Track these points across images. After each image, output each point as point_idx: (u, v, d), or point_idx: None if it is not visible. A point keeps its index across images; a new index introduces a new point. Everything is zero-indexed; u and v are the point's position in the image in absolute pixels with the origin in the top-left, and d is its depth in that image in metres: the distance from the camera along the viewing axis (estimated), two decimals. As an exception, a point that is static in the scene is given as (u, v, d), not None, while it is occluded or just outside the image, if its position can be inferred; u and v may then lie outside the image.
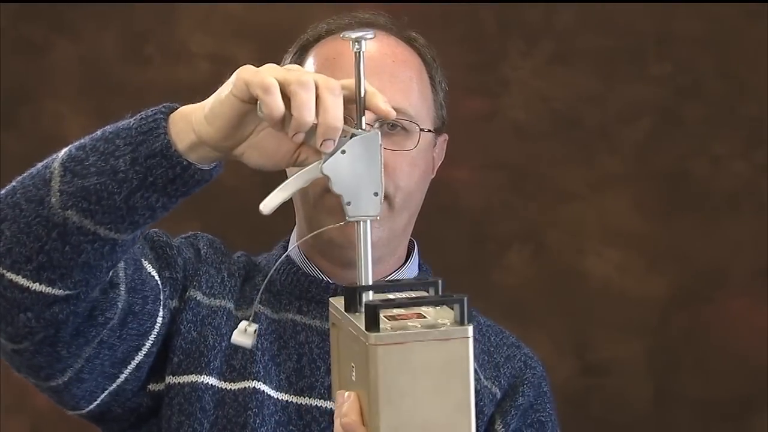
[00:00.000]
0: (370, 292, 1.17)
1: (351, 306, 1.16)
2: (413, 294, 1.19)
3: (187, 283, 1.44)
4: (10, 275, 1.22)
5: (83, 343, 1.30)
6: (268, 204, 1.17)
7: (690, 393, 2.53)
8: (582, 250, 2.55)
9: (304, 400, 1.42)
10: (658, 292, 2.53)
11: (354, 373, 1.14)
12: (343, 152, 1.16)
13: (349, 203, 1.17)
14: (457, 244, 2.53)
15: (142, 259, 1.38)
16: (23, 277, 1.22)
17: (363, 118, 1.18)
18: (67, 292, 1.23)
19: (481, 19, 2.55)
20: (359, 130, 1.18)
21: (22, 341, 1.26)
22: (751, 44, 2.50)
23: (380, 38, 1.47)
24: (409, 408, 1.09)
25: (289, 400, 1.42)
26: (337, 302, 1.18)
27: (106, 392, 1.37)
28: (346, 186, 1.17)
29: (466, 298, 1.12)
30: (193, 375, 1.40)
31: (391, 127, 1.44)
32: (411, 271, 1.52)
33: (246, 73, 1.16)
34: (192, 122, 1.19)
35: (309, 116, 1.14)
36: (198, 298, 1.44)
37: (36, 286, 1.22)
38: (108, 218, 1.20)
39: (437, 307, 1.15)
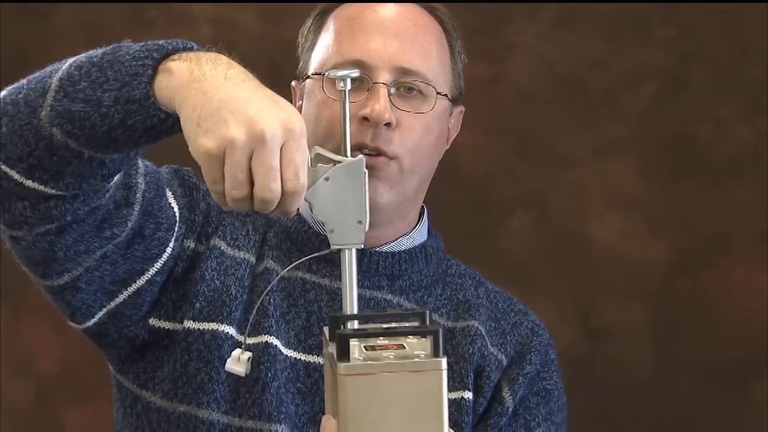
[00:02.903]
0: (356, 322, 1.15)
1: (334, 334, 1.14)
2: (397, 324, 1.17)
3: (209, 228, 1.44)
4: (5, 168, 1.24)
5: (83, 252, 1.31)
6: None
7: (692, 358, 2.53)
8: (585, 215, 2.55)
9: (312, 359, 1.43)
10: (660, 257, 2.53)
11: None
12: (327, 179, 1.15)
13: (332, 231, 1.16)
14: (460, 210, 2.53)
15: (167, 189, 1.39)
16: (17, 173, 1.24)
17: (348, 146, 1.18)
18: (60, 192, 1.24)
19: (485, -17, 2.54)
20: (344, 157, 1.17)
21: (19, 229, 1.28)
22: (756, 8, 2.49)
23: (402, 4, 1.47)
24: None
25: (298, 358, 1.43)
26: (327, 330, 1.18)
27: (104, 310, 1.38)
28: (328, 213, 1.16)
29: (440, 330, 1.10)
30: (215, 323, 1.41)
31: (407, 90, 1.44)
32: (420, 235, 1.52)
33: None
34: (171, 90, 1.17)
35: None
36: (222, 248, 1.44)
37: (29, 183, 1.24)
38: (91, 143, 1.21)
39: (421, 338, 1.13)
